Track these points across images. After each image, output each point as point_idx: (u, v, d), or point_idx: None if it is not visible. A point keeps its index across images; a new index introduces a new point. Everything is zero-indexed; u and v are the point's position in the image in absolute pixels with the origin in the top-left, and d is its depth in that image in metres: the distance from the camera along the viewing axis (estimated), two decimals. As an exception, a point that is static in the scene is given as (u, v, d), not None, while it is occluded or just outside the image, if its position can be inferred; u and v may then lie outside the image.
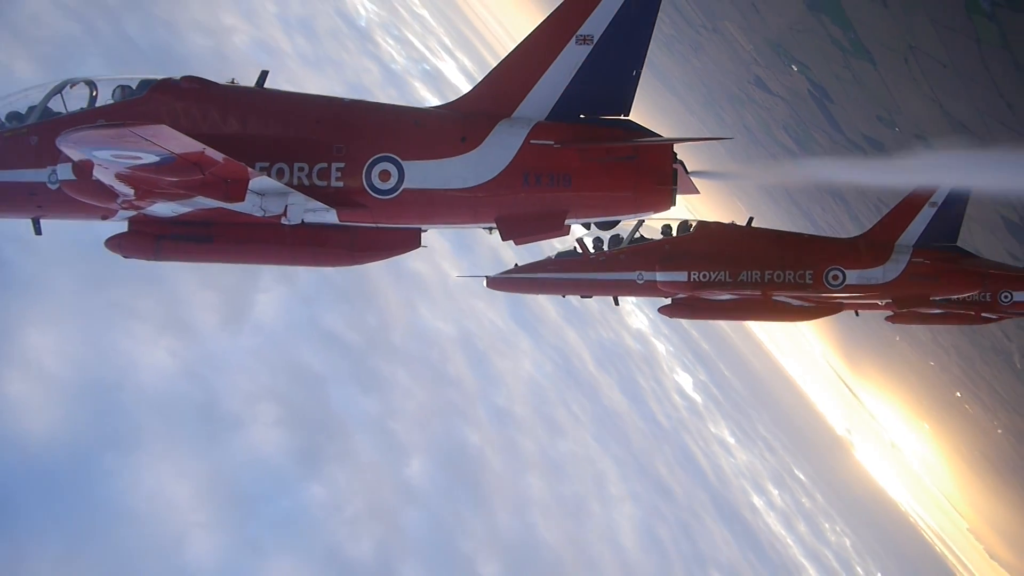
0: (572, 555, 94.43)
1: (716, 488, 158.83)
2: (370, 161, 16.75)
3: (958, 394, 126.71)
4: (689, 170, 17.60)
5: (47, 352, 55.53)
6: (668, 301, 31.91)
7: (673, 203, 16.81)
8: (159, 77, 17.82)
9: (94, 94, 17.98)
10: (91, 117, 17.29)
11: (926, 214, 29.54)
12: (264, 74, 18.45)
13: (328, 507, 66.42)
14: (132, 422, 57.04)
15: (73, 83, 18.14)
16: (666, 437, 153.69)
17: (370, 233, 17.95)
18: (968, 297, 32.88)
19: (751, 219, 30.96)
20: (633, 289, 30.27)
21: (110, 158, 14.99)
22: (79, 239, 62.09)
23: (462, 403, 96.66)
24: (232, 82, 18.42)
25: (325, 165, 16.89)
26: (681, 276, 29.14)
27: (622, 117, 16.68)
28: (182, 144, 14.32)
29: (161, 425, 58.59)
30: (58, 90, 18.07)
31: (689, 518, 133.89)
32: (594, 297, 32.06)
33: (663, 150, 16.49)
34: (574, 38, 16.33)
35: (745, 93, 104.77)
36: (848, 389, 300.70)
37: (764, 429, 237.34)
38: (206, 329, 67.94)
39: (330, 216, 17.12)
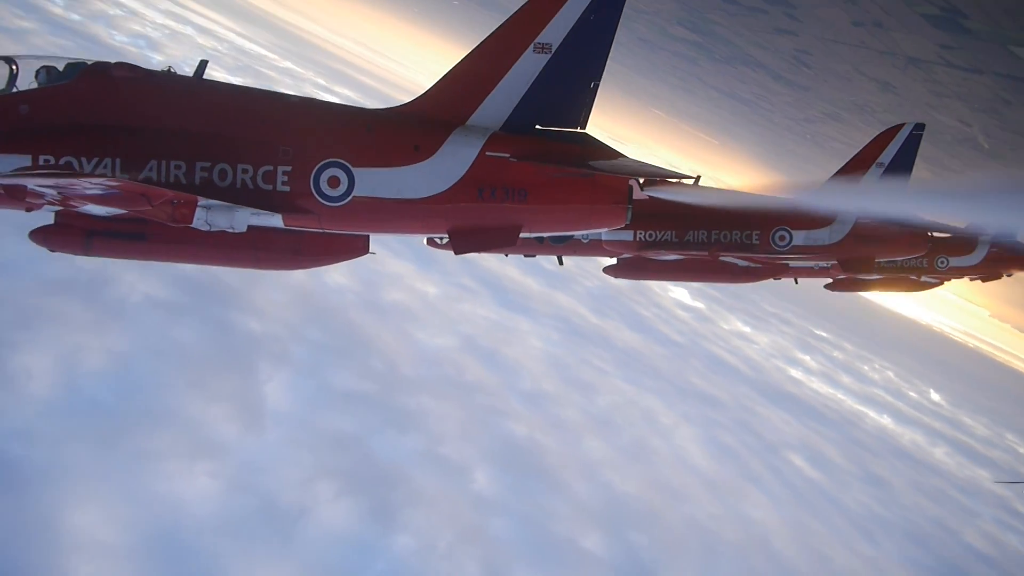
0: (657, 494, 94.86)
1: (754, 378, 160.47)
2: (319, 166, 16.06)
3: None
4: (643, 187, 17.30)
5: (96, 528, 54.47)
6: (614, 261, 31.44)
7: (628, 220, 16.52)
8: (88, 60, 16.86)
9: (15, 73, 16.72)
10: (13, 101, 16.24)
11: (873, 174, 29.02)
12: (203, 64, 17.47)
13: (421, 551, 65.96)
14: (206, 556, 56.21)
15: None
16: (689, 352, 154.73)
17: (316, 238, 17.44)
18: (905, 262, 33.06)
19: (698, 178, 30.57)
20: (578, 248, 29.57)
21: (52, 191, 14.54)
22: (72, 409, 61.18)
23: (493, 402, 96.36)
24: (169, 71, 17.45)
25: (271, 168, 16.09)
26: (627, 236, 28.57)
27: (579, 130, 16.24)
28: (135, 186, 13.82)
29: (234, 546, 57.78)
30: None
31: (743, 415, 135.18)
32: (537, 256, 30.94)
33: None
34: (532, 46, 15.82)
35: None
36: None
37: (770, 306, 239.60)
38: (233, 440, 67.00)
39: (275, 220, 16.54)
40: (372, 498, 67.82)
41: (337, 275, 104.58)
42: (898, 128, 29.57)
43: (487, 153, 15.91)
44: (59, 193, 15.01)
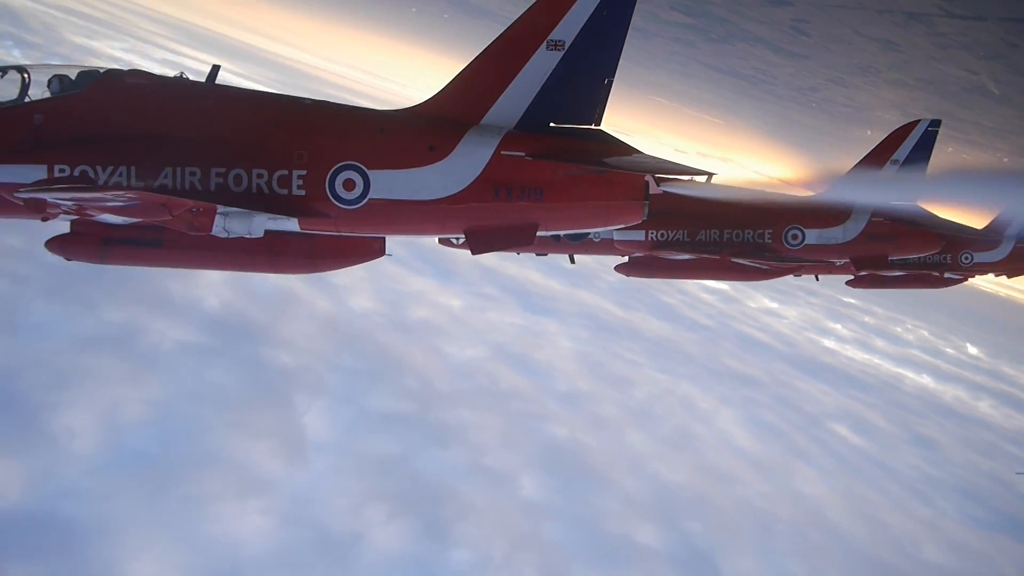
0: (706, 480, 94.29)
1: (787, 353, 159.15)
2: (334, 169, 16.01)
3: (950, 149, 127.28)
4: (659, 183, 17.37)
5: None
6: (625, 259, 31.23)
7: (645, 217, 16.51)
8: (100, 68, 16.75)
9: (27, 83, 16.60)
10: (27, 111, 16.14)
11: (888, 171, 28.84)
12: (215, 69, 17.49)
13: (479, 563, 66.03)
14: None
15: (5, 72, 16.77)
16: (719, 334, 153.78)
17: (332, 241, 17.40)
18: (929, 258, 32.95)
19: (711, 176, 30.24)
20: (590, 247, 29.43)
21: (72, 204, 14.54)
22: (118, 463, 61.71)
23: (531, 407, 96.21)
24: (181, 76, 17.43)
25: (286, 172, 16.03)
26: (638, 235, 28.46)
27: (594, 127, 16.18)
28: (157, 196, 13.79)
29: (293, 579, 58.18)
30: None
31: (782, 391, 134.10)
32: (550, 255, 30.82)
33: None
34: (545, 43, 15.72)
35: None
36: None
37: (795, 280, 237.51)
38: (279, 475, 67.42)
39: (291, 225, 16.47)
40: (423, 516, 67.96)
41: (361, 299, 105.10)
42: (913, 125, 29.44)
43: (502, 152, 15.85)
44: (77, 203, 14.96)
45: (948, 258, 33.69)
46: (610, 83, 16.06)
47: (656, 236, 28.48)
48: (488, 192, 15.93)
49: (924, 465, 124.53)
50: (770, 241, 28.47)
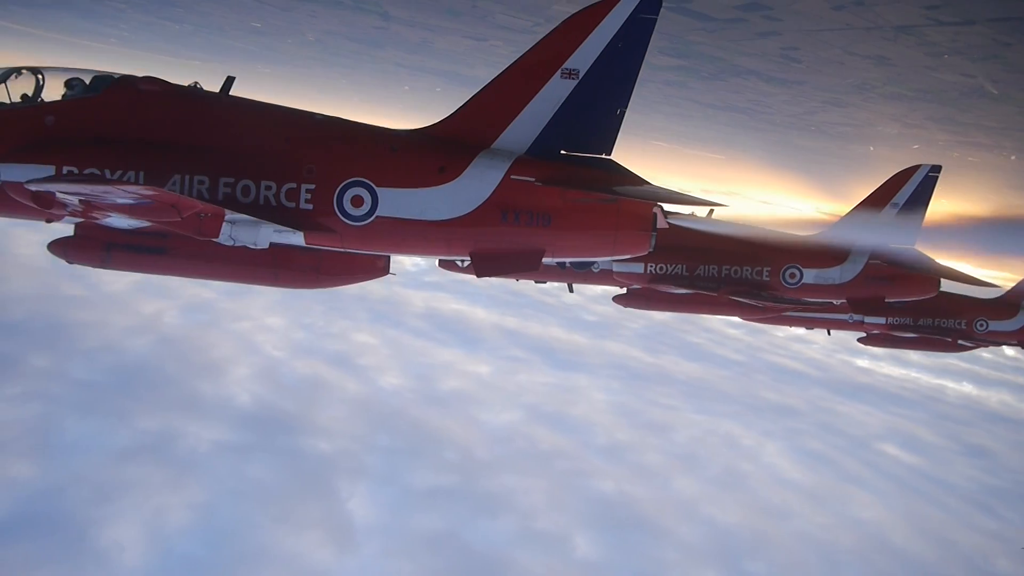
0: (761, 518, 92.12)
1: (823, 377, 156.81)
2: (343, 185, 16.03)
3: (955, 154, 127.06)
4: (666, 215, 17.35)
5: None
6: (623, 291, 31.45)
7: (651, 248, 16.62)
8: (115, 74, 16.77)
9: (41, 85, 16.68)
10: (38, 113, 16.20)
11: (887, 214, 29.44)
12: (230, 80, 17.49)
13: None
14: None
15: (19, 72, 16.72)
16: (751, 368, 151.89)
17: (337, 257, 17.36)
18: (943, 323, 33.57)
19: (711, 211, 30.45)
20: (588, 277, 29.83)
21: (84, 198, 14.31)
22: (169, 571, 61.10)
23: (574, 465, 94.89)
24: (195, 86, 17.44)
25: (294, 186, 16.04)
26: (638, 268, 28.89)
27: (604, 156, 16.28)
28: (169, 195, 13.64)
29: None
30: (2, 79, 16.72)
31: (824, 417, 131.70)
32: (548, 282, 31.35)
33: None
34: (559, 71, 15.90)
35: None
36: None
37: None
38: (330, 564, 66.61)
39: (296, 238, 16.41)
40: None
41: (390, 377, 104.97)
42: (913, 170, 30.06)
43: (512, 176, 15.95)
44: (85, 203, 14.72)
45: (963, 324, 34.02)
46: (622, 113, 16.24)
47: (655, 269, 28.83)
48: (496, 215, 16.02)
49: (981, 475, 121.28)
50: (768, 279, 28.74)
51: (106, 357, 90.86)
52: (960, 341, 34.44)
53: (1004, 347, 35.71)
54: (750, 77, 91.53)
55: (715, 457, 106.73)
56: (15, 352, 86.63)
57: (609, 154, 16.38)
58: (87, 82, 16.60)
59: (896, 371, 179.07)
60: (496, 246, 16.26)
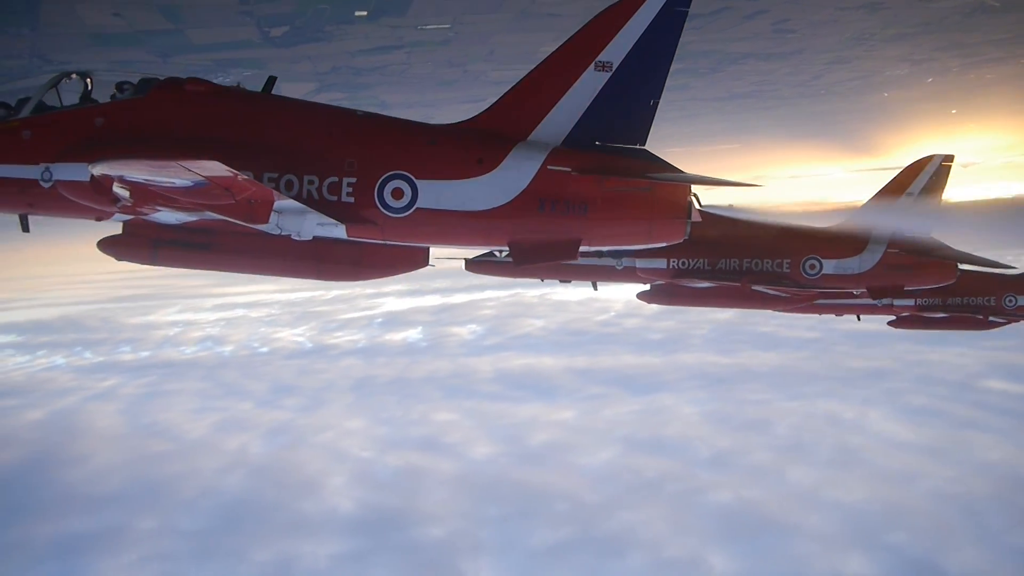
0: (888, 487, 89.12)
1: (903, 333, 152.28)
2: (383, 178, 16.27)
3: (954, 111, 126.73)
4: (701, 204, 17.71)
5: None
6: (647, 287, 31.87)
7: (687, 236, 16.75)
8: (160, 76, 17.08)
9: (91, 89, 17.03)
10: (89, 114, 16.52)
11: (902, 204, 30.10)
12: (272, 80, 17.79)
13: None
14: None
15: (69, 76, 17.12)
16: (829, 341, 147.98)
17: (377, 249, 17.49)
18: (972, 300, 33.97)
19: (730, 207, 30.87)
20: (612, 275, 30.20)
21: (143, 181, 14.38)
22: None
23: (685, 484, 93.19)
24: (238, 86, 17.70)
25: (336, 179, 16.30)
26: (660, 263, 29.29)
27: (638, 146, 16.54)
28: (224, 173, 13.73)
29: None
30: (54, 83, 16.98)
31: (918, 370, 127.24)
32: (572, 282, 31.89)
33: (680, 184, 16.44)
34: (593, 64, 16.18)
35: None
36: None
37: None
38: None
39: (338, 231, 16.59)
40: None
41: (480, 447, 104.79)
42: (928, 160, 30.39)
43: (548, 167, 16.11)
44: (139, 191, 14.91)
45: (992, 300, 34.17)
46: (656, 104, 16.53)
47: (677, 264, 29.24)
48: (533, 205, 16.19)
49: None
50: (788, 270, 29.03)
51: (206, 502, 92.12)
52: (991, 318, 34.12)
53: None
54: (748, 60, 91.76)
55: (822, 439, 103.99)
56: (121, 521, 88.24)
57: (643, 144, 16.61)
58: (134, 84, 17.04)
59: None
60: (534, 236, 16.50)
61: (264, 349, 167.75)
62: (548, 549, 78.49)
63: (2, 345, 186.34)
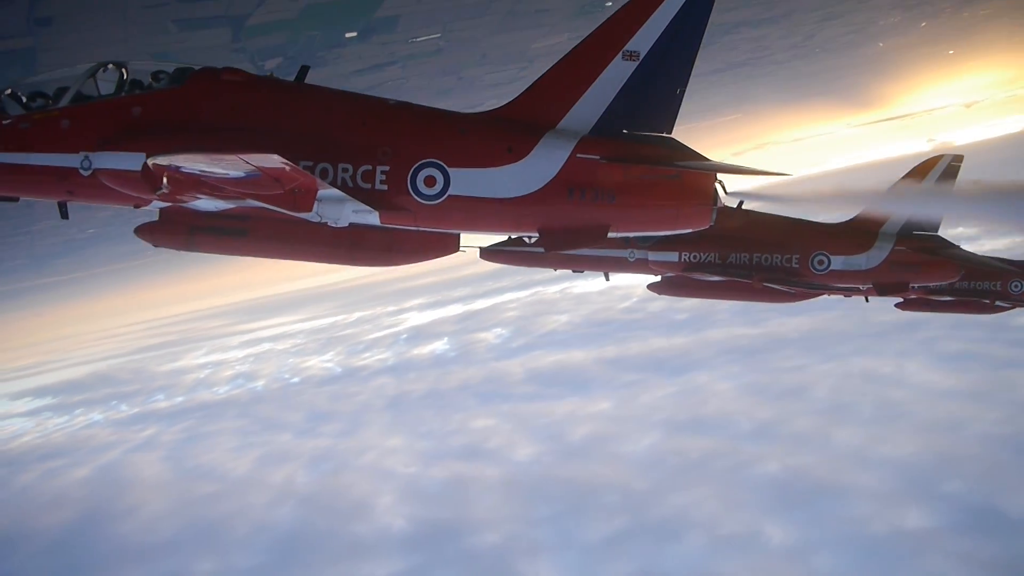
0: (936, 437, 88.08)
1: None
2: (416, 166, 16.53)
3: (951, 52, 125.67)
4: (728, 191, 17.89)
5: None
6: (658, 279, 32.22)
7: (713, 222, 17.04)
8: (195, 66, 17.24)
9: (127, 79, 17.18)
10: (127, 104, 16.73)
11: (911, 203, 30.45)
12: (304, 69, 18.04)
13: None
14: None
15: (106, 66, 17.24)
16: (856, 300, 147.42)
17: (409, 235, 17.77)
18: (979, 285, 34.24)
19: (741, 202, 31.05)
20: (624, 266, 30.52)
21: (198, 172, 14.67)
22: None
23: (731, 460, 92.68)
24: (271, 75, 17.92)
25: (370, 167, 16.60)
26: (672, 256, 29.79)
27: (665, 135, 16.81)
28: (280, 166, 14.10)
29: None
30: (91, 73, 17.17)
31: (946, 318, 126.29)
32: (585, 272, 32.30)
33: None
34: (620, 53, 16.48)
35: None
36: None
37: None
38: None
39: (372, 218, 16.88)
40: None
41: (522, 449, 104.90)
42: (937, 159, 30.99)
43: (577, 155, 16.41)
44: (188, 180, 15.14)
45: (998, 285, 34.45)
46: (682, 93, 16.73)
47: (689, 257, 29.74)
48: (563, 193, 16.49)
49: None
50: (797, 266, 29.58)
51: (261, 537, 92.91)
52: (997, 302, 34.74)
53: None
54: (740, 29, 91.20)
55: (862, 398, 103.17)
56: (180, 566, 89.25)
57: (670, 132, 16.83)
58: (170, 74, 17.26)
59: (996, 243, 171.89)
60: (563, 222, 16.80)
61: (295, 379, 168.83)
62: (604, 541, 78.49)
63: (40, 409, 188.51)
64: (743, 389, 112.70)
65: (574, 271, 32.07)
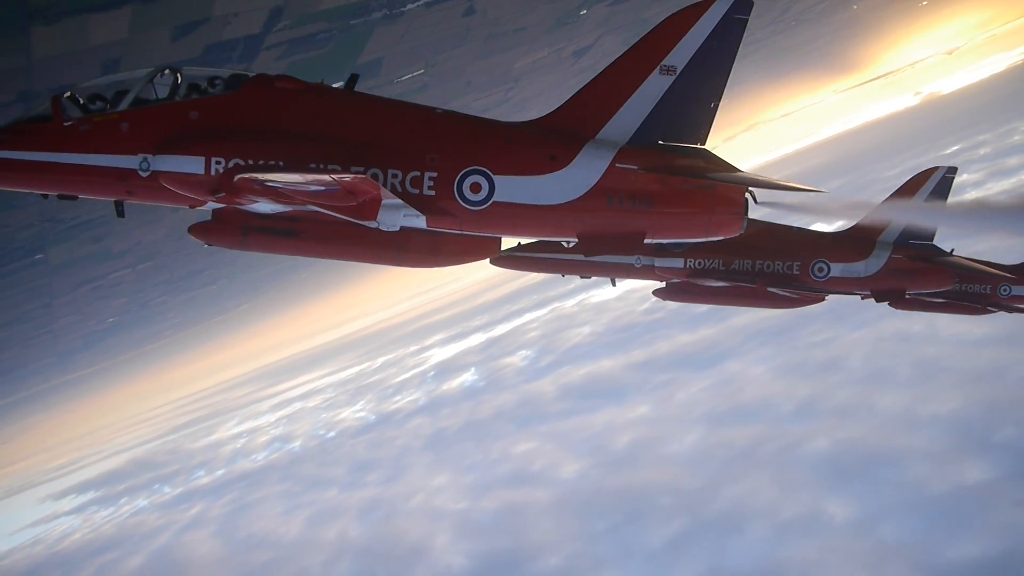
0: (981, 390, 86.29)
1: (947, 233, 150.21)
2: (462, 173, 17.17)
3: (924, 3, 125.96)
4: (758, 201, 18.43)
5: None
6: (662, 284, 32.97)
7: (743, 230, 17.90)
8: (249, 72, 17.94)
9: (184, 84, 17.75)
10: (183, 109, 17.30)
11: (907, 214, 31.37)
12: (354, 77, 18.68)
13: None
14: None
15: (163, 72, 17.82)
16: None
17: (452, 238, 18.38)
18: (970, 288, 35.26)
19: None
20: (631, 272, 31.35)
21: (283, 186, 15.43)
22: None
23: (778, 443, 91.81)
24: (322, 83, 18.46)
25: (418, 174, 17.19)
26: (678, 262, 30.66)
27: (699, 146, 17.58)
28: (370, 188, 15.02)
29: None
30: (150, 78, 17.70)
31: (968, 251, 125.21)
32: (592, 278, 33.15)
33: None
34: (658, 68, 17.25)
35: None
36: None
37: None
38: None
39: (419, 222, 17.45)
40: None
41: (568, 466, 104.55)
42: (932, 171, 31.96)
43: (617, 164, 17.19)
44: (277, 191, 15.74)
45: (988, 289, 35.47)
46: (716, 106, 17.60)
47: (694, 264, 30.61)
48: (602, 200, 17.29)
49: None
50: (798, 272, 30.45)
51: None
52: (988, 306, 35.61)
53: None
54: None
55: (898, 360, 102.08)
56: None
57: (703, 144, 17.61)
58: (225, 79, 17.89)
59: (1000, 184, 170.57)
60: (602, 228, 17.56)
61: (331, 434, 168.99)
62: (667, 545, 77.86)
63: (85, 504, 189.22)
64: (777, 371, 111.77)
65: (581, 276, 32.91)
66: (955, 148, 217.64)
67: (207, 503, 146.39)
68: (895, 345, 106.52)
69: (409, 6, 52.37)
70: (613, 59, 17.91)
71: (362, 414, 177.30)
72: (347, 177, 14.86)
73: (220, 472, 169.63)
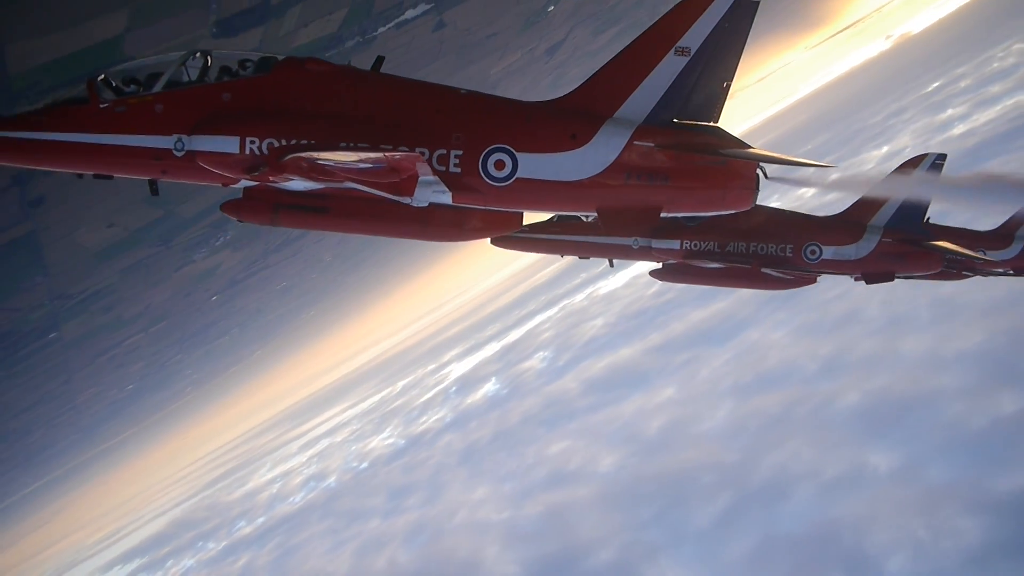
0: (1007, 320, 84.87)
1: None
2: (487, 151, 17.85)
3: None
4: (769, 176, 19.22)
5: None
6: (659, 265, 33.60)
7: (755, 204, 18.71)
8: (279, 55, 18.41)
9: (217, 67, 18.29)
10: (216, 90, 17.91)
11: (894, 204, 32.20)
12: (380, 60, 19.19)
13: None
14: None
15: (196, 55, 18.34)
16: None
17: (476, 213, 19.18)
18: (948, 255, 36.38)
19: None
20: (628, 253, 32.05)
21: (332, 164, 16.20)
22: None
23: (809, 404, 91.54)
24: (349, 64, 18.98)
25: (444, 152, 17.87)
26: (674, 244, 31.30)
27: (713, 124, 18.24)
28: (417, 165, 15.80)
29: None
30: (183, 60, 18.21)
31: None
32: (591, 258, 33.71)
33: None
34: (673, 49, 17.91)
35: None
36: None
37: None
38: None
39: (446, 198, 18.06)
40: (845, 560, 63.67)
41: (604, 459, 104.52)
42: (921, 158, 32.48)
43: (634, 142, 17.86)
44: (323, 168, 16.44)
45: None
46: (729, 86, 18.22)
47: (690, 245, 31.31)
48: (620, 176, 17.98)
49: None
50: (791, 255, 31.19)
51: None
52: (964, 272, 36.61)
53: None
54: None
55: (916, 306, 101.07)
56: None
57: (717, 122, 18.28)
58: (255, 62, 18.45)
59: (986, 115, 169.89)
60: (620, 203, 18.31)
61: (364, 465, 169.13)
62: (716, 523, 77.68)
63: (133, 573, 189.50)
64: (797, 332, 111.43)
65: (580, 257, 33.42)
66: (936, 85, 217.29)
67: (253, 552, 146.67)
68: (909, 289, 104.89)
69: (380, 29, 52.61)
70: (611, 53, 18.60)
71: (391, 440, 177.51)
72: (397, 155, 15.58)
73: (260, 520, 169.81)
